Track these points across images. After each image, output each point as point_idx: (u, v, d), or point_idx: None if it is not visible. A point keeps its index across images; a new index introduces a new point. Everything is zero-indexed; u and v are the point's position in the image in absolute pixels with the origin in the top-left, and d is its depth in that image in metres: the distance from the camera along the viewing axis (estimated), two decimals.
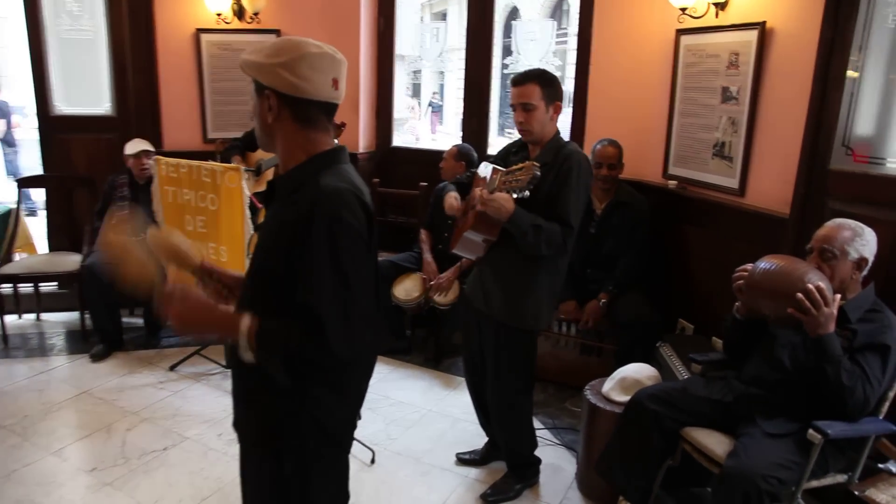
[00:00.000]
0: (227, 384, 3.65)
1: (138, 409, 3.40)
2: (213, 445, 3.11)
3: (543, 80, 2.37)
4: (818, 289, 2.06)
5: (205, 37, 4.43)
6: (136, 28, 4.30)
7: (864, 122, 2.54)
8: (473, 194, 2.54)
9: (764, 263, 2.25)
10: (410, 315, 4.13)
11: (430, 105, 8.85)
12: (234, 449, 2.95)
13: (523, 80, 2.39)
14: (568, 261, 2.56)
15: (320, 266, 1.31)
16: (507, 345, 2.58)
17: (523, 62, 4.57)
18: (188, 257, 1.67)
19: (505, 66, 5.34)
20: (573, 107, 4.10)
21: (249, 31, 4.47)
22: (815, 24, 2.65)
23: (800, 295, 2.06)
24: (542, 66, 2.50)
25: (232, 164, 3.43)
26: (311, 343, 1.30)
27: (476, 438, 3.19)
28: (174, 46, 4.43)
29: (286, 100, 1.37)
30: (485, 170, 2.55)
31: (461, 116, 4.64)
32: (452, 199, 2.61)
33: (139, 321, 4.41)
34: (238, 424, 1.60)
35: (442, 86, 14.65)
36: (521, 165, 2.20)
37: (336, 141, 1.54)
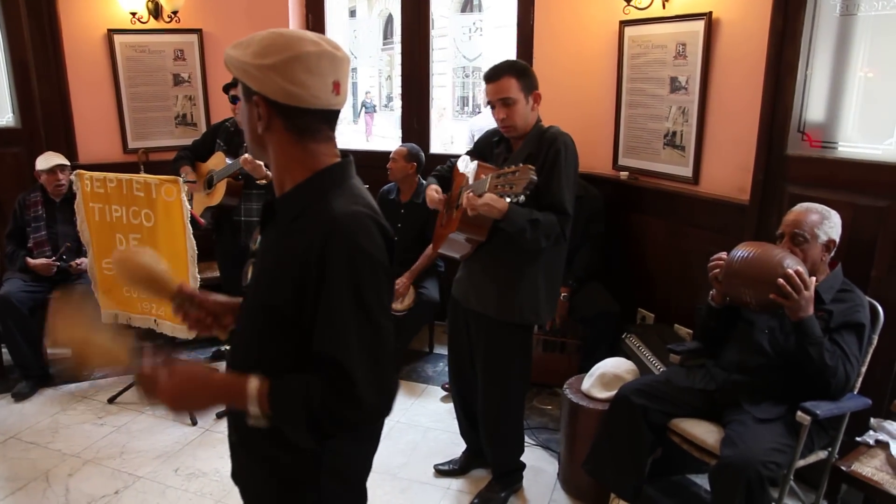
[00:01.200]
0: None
1: (79, 451, 3.09)
2: (170, 482, 2.87)
3: (518, 71, 2.30)
4: (797, 273, 2.10)
5: (118, 38, 4.07)
6: (37, 29, 3.88)
7: (816, 108, 2.63)
8: (457, 195, 2.43)
9: (741, 252, 2.27)
10: None
11: (363, 105, 8.49)
12: (196, 484, 2.74)
13: (497, 74, 2.30)
14: (566, 249, 2.49)
15: (342, 308, 1.13)
16: (502, 343, 2.49)
17: (445, 57, 4.48)
18: (163, 281, 1.41)
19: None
20: None
21: (168, 31, 4.15)
22: (764, 13, 2.71)
23: (781, 280, 2.10)
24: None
25: (169, 177, 3.16)
26: (338, 398, 1.12)
27: (451, 447, 3.11)
28: (84, 49, 4.05)
29: (278, 108, 1.17)
30: (466, 165, 2.44)
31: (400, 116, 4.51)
32: (433, 191, 2.50)
33: (66, 351, 4.02)
34: (239, 478, 1.43)
35: (355, 84, 14.42)
36: (514, 168, 2.07)
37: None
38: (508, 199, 2.08)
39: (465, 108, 12.96)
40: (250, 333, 1.28)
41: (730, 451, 2.13)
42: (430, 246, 3.87)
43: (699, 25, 3.03)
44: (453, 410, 3.43)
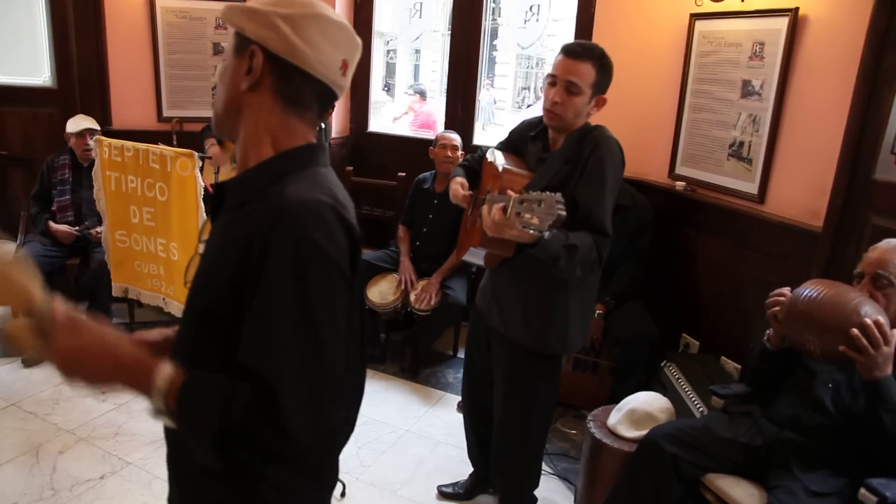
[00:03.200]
0: None
1: (74, 427, 2.97)
2: (158, 473, 2.70)
3: (602, 65, 1.96)
4: (876, 324, 1.75)
5: (161, 2, 3.92)
6: None
7: None
8: (484, 192, 2.15)
9: (809, 290, 1.92)
10: (385, 319, 3.75)
11: (412, 88, 8.13)
12: None
13: (581, 53, 1.95)
14: (601, 271, 2.16)
15: (278, 314, 0.92)
16: (525, 371, 2.20)
17: (508, 45, 4.17)
18: (29, 296, 1.04)
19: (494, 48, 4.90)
20: None
21: None
22: (863, 12, 2.32)
23: (855, 331, 1.75)
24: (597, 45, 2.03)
25: (184, 150, 2.99)
26: (259, 418, 0.91)
27: (459, 466, 2.85)
28: (125, 11, 3.92)
29: (276, 64, 1.01)
30: (496, 158, 2.15)
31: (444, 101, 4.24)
32: (458, 185, 2.21)
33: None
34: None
35: (417, 67, 13.91)
36: (538, 196, 1.68)
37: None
38: (531, 231, 1.74)
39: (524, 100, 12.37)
40: (181, 339, 1.08)
41: None
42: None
43: (782, 23, 2.64)
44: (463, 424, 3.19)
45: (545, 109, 2.07)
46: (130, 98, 4.04)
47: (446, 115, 4.18)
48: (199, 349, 1.01)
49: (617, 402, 2.65)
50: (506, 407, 2.28)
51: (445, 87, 4.13)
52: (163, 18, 3.95)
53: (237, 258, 0.95)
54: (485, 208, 1.87)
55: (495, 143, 2.43)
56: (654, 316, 3.12)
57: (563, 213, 1.63)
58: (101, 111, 3.93)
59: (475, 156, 2.43)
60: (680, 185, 3.18)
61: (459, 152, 3.61)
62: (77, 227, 3.61)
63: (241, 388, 0.91)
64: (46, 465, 2.71)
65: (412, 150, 4.35)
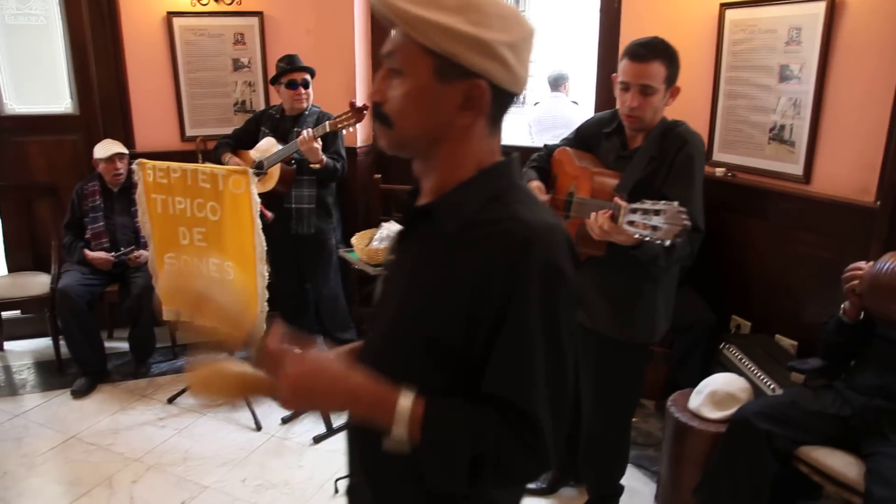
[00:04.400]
0: (239, 414, 3.24)
1: (141, 455, 2.94)
2: (238, 494, 2.70)
3: (669, 57, 1.99)
4: None
5: (178, 21, 3.89)
6: (96, 11, 3.72)
7: None
8: (564, 193, 2.19)
9: (891, 263, 2.01)
10: None
11: None
12: (266, 497, 2.55)
13: (647, 55, 1.97)
14: None
15: (532, 346, 0.90)
16: (615, 362, 2.24)
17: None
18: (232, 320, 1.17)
19: None
20: (597, 89, 3.81)
21: (228, 13, 3.96)
22: None
23: None
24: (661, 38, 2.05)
25: (237, 167, 2.98)
26: (519, 449, 0.90)
27: None
28: (142, 32, 3.88)
29: (499, 95, 0.94)
30: (573, 157, 2.18)
31: None
32: (537, 189, 2.24)
33: (121, 345, 3.89)
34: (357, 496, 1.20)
35: None
36: (657, 206, 1.69)
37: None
38: (647, 238, 1.74)
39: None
40: (391, 366, 0.98)
41: (883, 490, 1.88)
42: None
43: (819, 7, 2.73)
44: None
45: (624, 115, 2.10)
46: (152, 119, 4.00)
47: None
48: (420, 377, 0.95)
49: (677, 388, 2.72)
50: (598, 399, 2.32)
51: None
52: (181, 37, 3.91)
53: (472, 287, 0.91)
54: (593, 216, 1.88)
55: (559, 141, 2.48)
56: (705, 300, 3.19)
57: (688, 222, 1.67)
58: (124, 134, 3.88)
59: (542, 154, 2.46)
60: (720, 171, 3.26)
61: None
62: (114, 254, 3.56)
63: (489, 416, 0.90)
64: (123, 496, 2.69)
65: None
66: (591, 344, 2.26)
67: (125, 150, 3.64)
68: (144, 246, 3.63)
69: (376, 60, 4.23)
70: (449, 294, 0.93)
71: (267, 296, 3.00)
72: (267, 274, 2.98)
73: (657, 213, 1.68)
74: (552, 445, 0.92)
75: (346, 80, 4.07)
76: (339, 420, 3.15)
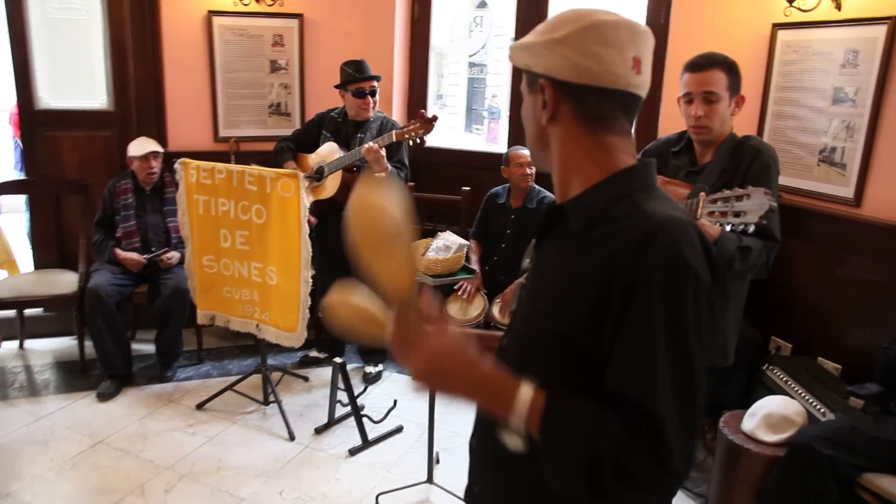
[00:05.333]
0: (271, 423, 3.17)
1: (172, 463, 2.86)
2: None
3: (729, 67, 2.01)
4: None
5: (218, 20, 3.85)
6: (137, 8, 3.67)
7: None
8: None
9: None
10: None
11: (489, 111, 7.77)
12: None
13: (705, 64, 2.01)
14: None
15: (652, 339, 0.88)
16: None
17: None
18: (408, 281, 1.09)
19: None
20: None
21: (268, 14, 3.92)
22: None
23: None
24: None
25: (287, 170, 2.93)
26: (639, 450, 0.87)
27: None
28: (182, 30, 3.83)
29: (566, 89, 0.99)
30: None
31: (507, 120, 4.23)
32: None
33: (144, 348, 3.81)
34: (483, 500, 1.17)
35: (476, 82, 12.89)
36: (740, 192, 1.71)
37: None
38: (730, 228, 1.76)
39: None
40: (526, 367, 0.98)
41: None
42: None
43: (879, 31, 2.73)
44: None
45: (691, 127, 2.10)
46: (186, 119, 3.94)
47: (510, 135, 4.18)
48: (550, 375, 0.96)
49: (719, 407, 2.69)
50: None
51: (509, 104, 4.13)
52: (220, 37, 3.87)
53: (598, 282, 0.91)
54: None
55: None
56: (750, 320, 3.17)
57: (774, 203, 1.66)
58: (158, 132, 3.82)
59: None
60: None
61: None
62: (146, 256, 3.49)
63: (610, 415, 0.88)
64: None
65: (471, 164, 4.35)
66: None
67: (160, 149, 3.59)
68: (175, 247, 3.58)
69: (415, 67, 4.20)
70: (576, 289, 0.94)
71: (310, 302, 2.95)
72: (311, 280, 2.93)
73: (739, 198, 1.67)
74: (679, 452, 0.87)
75: (384, 86, 4.03)
76: (374, 432, 3.09)
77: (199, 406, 3.29)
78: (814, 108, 3.02)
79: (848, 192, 2.92)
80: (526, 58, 1.03)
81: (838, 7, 2.83)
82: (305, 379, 3.64)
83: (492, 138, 7.69)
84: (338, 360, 3.03)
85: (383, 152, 3.13)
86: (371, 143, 3.09)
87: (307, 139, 3.50)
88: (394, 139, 3.12)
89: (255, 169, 2.92)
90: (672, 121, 3.53)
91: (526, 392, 0.90)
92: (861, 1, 2.80)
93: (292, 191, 2.85)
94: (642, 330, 0.89)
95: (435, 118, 3.08)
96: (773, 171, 2.02)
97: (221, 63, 3.91)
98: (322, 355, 3.82)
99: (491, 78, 7.91)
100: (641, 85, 1.01)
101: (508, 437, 0.92)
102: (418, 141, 3.12)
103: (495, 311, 3.54)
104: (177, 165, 3.05)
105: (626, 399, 0.88)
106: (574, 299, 0.94)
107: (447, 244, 2.55)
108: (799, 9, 2.95)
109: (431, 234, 4.23)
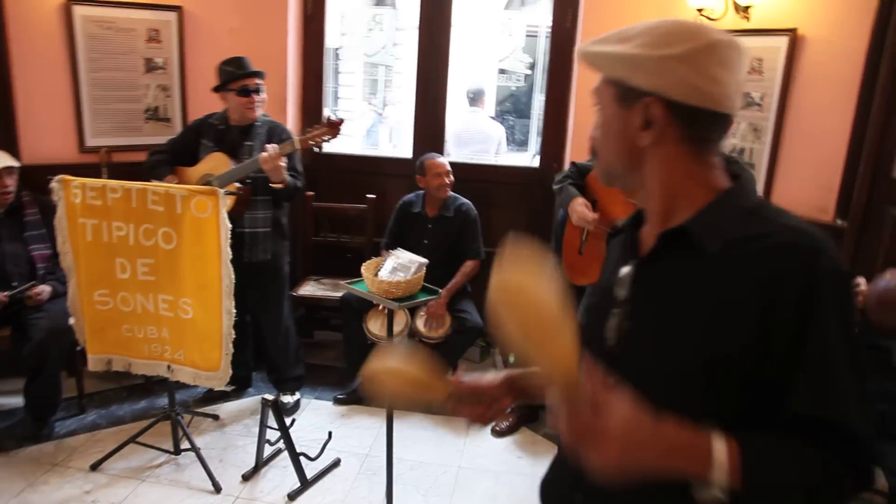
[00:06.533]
0: (188, 475, 2.76)
1: None
2: None
3: None
4: None
5: (79, 9, 3.27)
6: None
7: None
8: (610, 217, 2.11)
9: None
10: None
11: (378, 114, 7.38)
12: None
13: None
14: None
15: (839, 357, 0.85)
16: None
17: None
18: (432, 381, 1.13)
19: None
20: (546, 106, 3.80)
21: (141, 5, 3.41)
22: (859, 34, 2.71)
23: None
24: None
25: (203, 187, 2.55)
26: (844, 473, 0.84)
27: (530, 492, 2.73)
28: (33, 21, 3.20)
29: (678, 111, 0.92)
30: None
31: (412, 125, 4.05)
32: (585, 208, 2.15)
33: (10, 402, 3.16)
34: None
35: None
36: None
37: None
38: None
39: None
40: (661, 399, 0.86)
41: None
42: (467, 264, 3.51)
43: (781, 41, 2.94)
44: (509, 449, 3.12)
45: None
46: (43, 126, 3.32)
47: (415, 135, 4.02)
48: (706, 405, 0.89)
49: None
50: None
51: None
52: (83, 30, 3.29)
53: (758, 303, 0.86)
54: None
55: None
56: None
57: None
58: (6, 143, 3.18)
59: (573, 172, 2.39)
60: None
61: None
62: (6, 292, 2.89)
63: (808, 445, 0.84)
64: None
65: (375, 171, 4.14)
66: None
67: (15, 163, 2.99)
68: (44, 279, 3.01)
69: (309, 67, 3.89)
70: (729, 312, 0.88)
71: (234, 336, 2.59)
72: (234, 312, 2.57)
73: None
74: (873, 462, 0.88)
75: (276, 89, 3.69)
76: (310, 470, 2.80)
77: (95, 466, 2.78)
78: None
79: (758, 190, 3.12)
80: (625, 70, 0.94)
81: (747, 18, 3.01)
82: (215, 417, 3.23)
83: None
84: (268, 396, 2.69)
85: (283, 161, 2.84)
86: (269, 150, 2.77)
87: (185, 149, 3.07)
88: (297, 146, 2.83)
89: (160, 186, 2.50)
90: (581, 126, 3.59)
91: (719, 444, 0.82)
92: (765, 12, 3.00)
93: (209, 210, 2.48)
94: (828, 349, 0.85)
95: (341, 121, 2.84)
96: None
97: (86, 61, 3.33)
98: (229, 388, 3.41)
99: (396, 78, 7.65)
100: (738, 107, 0.98)
101: (705, 493, 0.82)
102: (321, 149, 2.87)
103: (420, 324, 3.39)
104: (54, 184, 2.54)
105: (818, 421, 0.84)
106: (729, 323, 0.88)
107: (404, 264, 2.35)
108: (708, 17, 3.10)
109: (336, 246, 3.98)
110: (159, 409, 3.25)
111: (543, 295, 0.86)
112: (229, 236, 2.49)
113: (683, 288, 0.95)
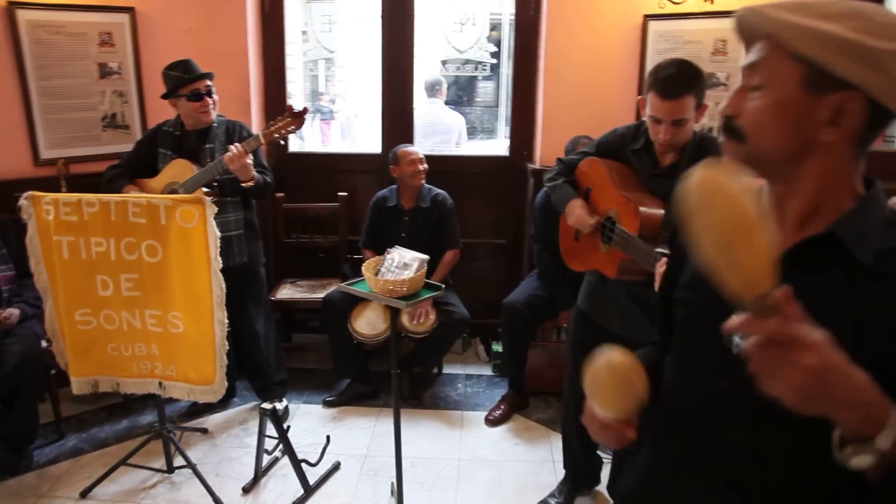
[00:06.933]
0: (186, 493, 2.68)
1: None
2: None
3: (699, 86, 1.95)
4: None
5: (23, 14, 3.07)
6: None
7: None
8: (602, 213, 2.15)
9: None
10: (369, 349, 3.48)
11: (318, 111, 7.10)
12: None
13: (679, 91, 1.92)
14: None
15: None
16: None
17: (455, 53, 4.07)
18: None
19: None
20: (513, 94, 3.82)
21: (91, 7, 3.24)
22: None
23: None
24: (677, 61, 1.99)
25: (188, 195, 2.45)
26: None
27: (535, 477, 2.83)
28: None
29: (877, 114, 0.86)
30: (610, 175, 2.14)
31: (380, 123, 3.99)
32: (580, 207, 2.16)
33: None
34: None
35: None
36: None
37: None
38: None
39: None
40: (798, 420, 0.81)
41: None
42: (447, 255, 3.51)
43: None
44: (505, 437, 3.15)
45: (658, 144, 2.07)
46: None
47: (383, 139, 3.97)
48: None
49: None
50: None
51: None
52: (29, 35, 3.10)
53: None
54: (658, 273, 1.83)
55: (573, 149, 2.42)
56: None
57: None
58: None
59: (563, 169, 2.39)
60: None
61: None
62: None
63: None
64: None
65: (342, 168, 4.08)
66: (629, 349, 2.25)
67: None
68: (9, 301, 2.85)
69: (269, 64, 3.79)
70: (884, 328, 0.84)
71: (227, 347, 2.51)
72: (226, 322, 2.50)
73: None
74: None
75: (238, 88, 3.59)
76: (311, 476, 2.76)
77: (85, 494, 2.66)
78: None
79: None
80: (829, 53, 0.83)
81: (710, 0, 3.09)
82: (204, 431, 3.14)
83: (325, 140, 7.34)
84: (266, 405, 2.63)
85: (249, 158, 2.77)
86: (234, 149, 2.70)
87: (142, 162, 2.94)
88: (262, 141, 2.75)
89: (141, 197, 2.40)
90: (554, 107, 3.62)
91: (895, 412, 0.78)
92: None
93: (196, 219, 2.39)
94: None
95: (305, 110, 2.77)
96: None
97: (34, 68, 3.14)
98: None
99: (338, 72, 7.45)
100: None
101: (857, 456, 0.79)
102: (287, 141, 2.81)
103: (405, 319, 3.37)
104: (23, 201, 2.39)
105: None
106: (878, 338, 0.84)
107: (405, 261, 2.32)
108: (672, 1, 3.17)
109: (309, 246, 3.91)
110: (143, 427, 3.15)
111: (743, 196, 0.77)
112: (219, 245, 2.41)
113: (826, 296, 0.88)
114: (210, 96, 2.90)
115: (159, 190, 2.87)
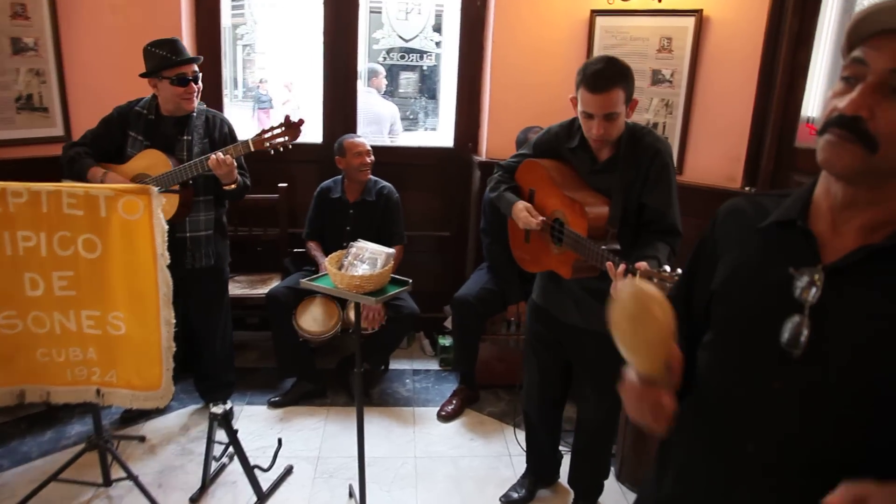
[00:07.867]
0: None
1: None
2: None
3: (626, 79, 1.98)
4: None
5: None
6: None
7: (816, 103, 2.92)
8: (550, 214, 2.15)
9: None
10: (314, 346, 3.36)
11: (256, 99, 6.60)
12: None
13: (608, 84, 1.94)
14: None
15: None
16: (614, 355, 2.26)
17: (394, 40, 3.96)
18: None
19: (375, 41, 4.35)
20: (458, 85, 3.77)
21: None
22: (758, 16, 2.96)
23: None
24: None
25: (131, 184, 2.25)
26: None
27: (493, 472, 2.82)
28: None
29: None
30: (552, 176, 2.16)
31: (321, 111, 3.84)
32: (528, 212, 2.16)
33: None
34: None
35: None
36: (668, 275, 1.63)
37: None
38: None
39: None
40: (850, 419, 0.88)
41: None
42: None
43: (688, 21, 3.13)
44: (460, 432, 3.12)
45: (592, 140, 2.09)
46: None
47: (325, 129, 3.83)
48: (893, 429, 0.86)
49: None
50: (600, 392, 2.34)
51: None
52: None
53: None
54: (624, 286, 1.85)
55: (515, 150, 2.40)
56: None
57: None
58: None
59: (504, 175, 2.39)
60: None
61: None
62: None
63: None
64: None
65: (279, 158, 3.88)
66: (588, 343, 2.27)
67: None
68: None
69: (204, 49, 3.56)
70: None
71: (174, 349, 2.34)
72: (174, 321, 2.32)
73: (663, 282, 1.65)
74: None
75: None
76: (264, 482, 2.62)
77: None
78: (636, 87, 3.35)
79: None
80: None
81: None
82: (142, 439, 2.92)
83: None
84: (215, 409, 2.48)
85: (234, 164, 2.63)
86: (220, 155, 2.54)
87: (110, 144, 2.70)
88: (251, 149, 2.60)
89: (80, 187, 2.18)
90: (499, 104, 3.61)
91: None
92: None
93: (140, 211, 2.20)
94: None
95: (301, 122, 2.65)
96: (670, 169, 2.09)
97: None
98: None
99: (259, 59, 7.10)
100: None
101: None
102: (281, 150, 2.67)
103: (353, 315, 3.26)
104: None
105: None
106: None
107: (371, 255, 2.23)
108: None
109: (248, 240, 3.71)
110: (72, 438, 2.90)
111: (663, 317, 0.96)
112: (166, 239, 2.23)
113: (883, 306, 0.88)
114: (196, 83, 2.69)
115: (128, 176, 2.64)
